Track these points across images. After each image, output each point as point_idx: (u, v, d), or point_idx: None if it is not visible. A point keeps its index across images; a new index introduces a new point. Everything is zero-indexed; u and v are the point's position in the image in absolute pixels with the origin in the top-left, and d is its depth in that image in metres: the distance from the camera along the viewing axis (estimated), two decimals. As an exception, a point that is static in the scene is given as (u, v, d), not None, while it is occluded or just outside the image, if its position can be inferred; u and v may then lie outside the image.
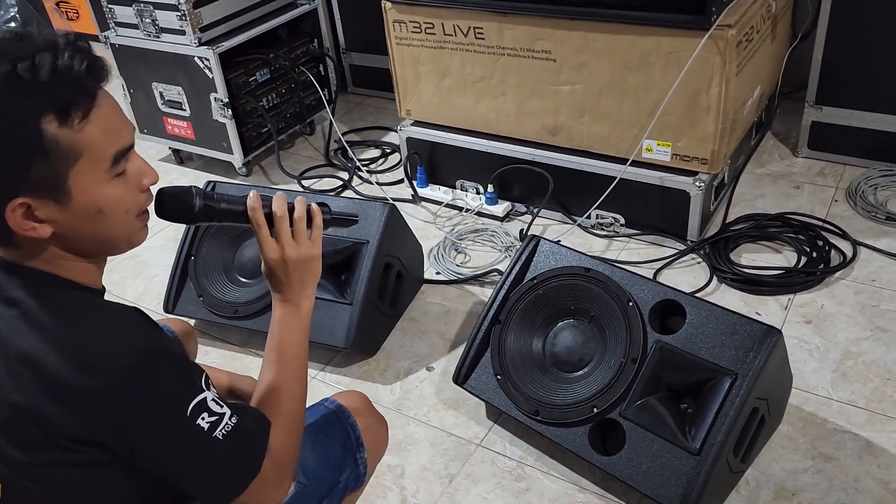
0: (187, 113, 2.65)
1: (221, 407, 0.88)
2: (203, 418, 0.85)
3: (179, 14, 2.43)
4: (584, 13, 1.98)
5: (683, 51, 1.89)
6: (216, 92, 2.52)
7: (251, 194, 1.02)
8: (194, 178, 2.79)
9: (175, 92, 2.63)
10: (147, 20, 2.51)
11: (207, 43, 2.48)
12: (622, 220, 2.20)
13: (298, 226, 1.03)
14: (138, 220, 0.91)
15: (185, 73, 2.55)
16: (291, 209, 1.03)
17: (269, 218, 1.01)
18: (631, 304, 1.50)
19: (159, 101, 2.69)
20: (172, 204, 0.97)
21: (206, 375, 0.91)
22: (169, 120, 2.73)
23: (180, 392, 0.85)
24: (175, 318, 1.17)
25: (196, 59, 2.49)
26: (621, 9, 1.93)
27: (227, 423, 0.88)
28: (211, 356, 1.94)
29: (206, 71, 2.49)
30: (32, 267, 0.86)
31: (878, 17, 2.14)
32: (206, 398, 0.86)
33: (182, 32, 2.47)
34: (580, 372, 1.53)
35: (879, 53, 2.18)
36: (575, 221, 2.25)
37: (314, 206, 1.08)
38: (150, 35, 2.55)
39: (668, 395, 1.44)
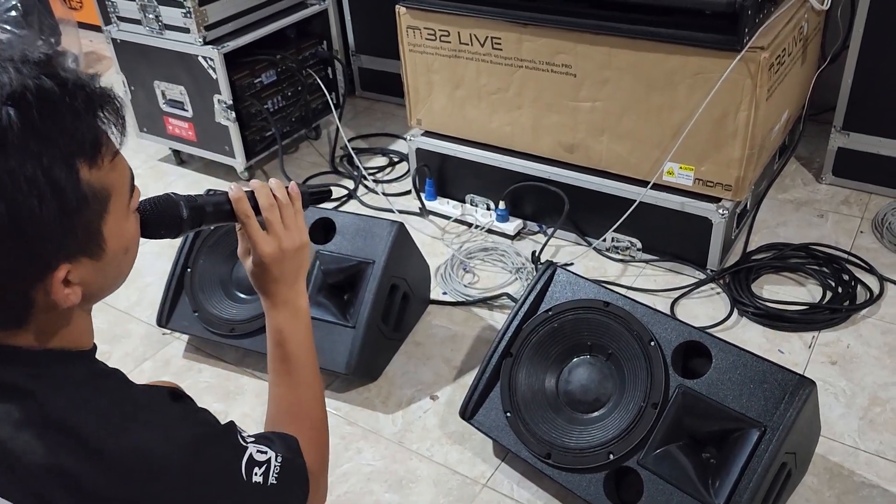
0: (189, 113, 2.56)
1: (265, 453, 0.84)
2: (256, 473, 0.81)
3: (184, 11, 2.33)
4: (609, 28, 1.89)
5: (712, 72, 1.80)
6: (220, 93, 2.42)
7: (233, 186, 0.95)
8: (193, 181, 2.70)
9: (177, 91, 2.54)
10: (150, 16, 2.42)
11: (212, 42, 2.39)
12: (639, 245, 2.11)
13: (286, 212, 0.97)
14: None
15: (188, 73, 2.46)
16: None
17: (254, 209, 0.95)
18: (653, 343, 1.41)
19: (161, 100, 2.60)
20: (159, 220, 0.89)
21: (234, 424, 0.84)
22: (170, 120, 2.63)
23: (231, 463, 0.79)
24: (160, 382, 1.09)
25: (200, 58, 2.39)
26: (647, 25, 1.84)
27: (275, 466, 0.84)
28: (204, 375, 1.85)
29: (210, 71, 2.39)
30: (26, 347, 0.72)
31: (914, 43, 2.05)
32: (250, 453, 0.81)
33: (186, 30, 2.37)
34: (596, 413, 1.44)
35: (913, 80, 2.09)
36: (590, 244, 2.16)
37: (293, 187, 0.99)
38: (153, 31, 2.45)
39: (689, 443, 1.35)
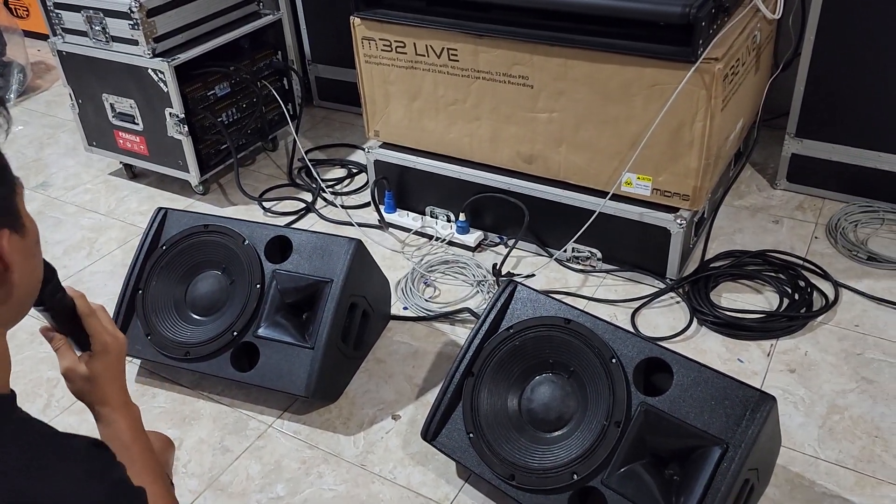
0: (140, 127, 2.49)
1: None
2: None
3: (132, 23, 2.26)
4: (564, 39, 1.88)
5: (667, 83, 1.80)
6: (171, 107, 2.36)
7: (69, 287, 0.97)
8: (147, 196, 2.63)
9: (127, 105, 2.47)
10: (97, 28, 2.35)
11: (162, 54, 2.32)
12: (599, 255, 2.11)
13: (103, 313, 0.99)
14: None
15: (137, 86, 2.39)
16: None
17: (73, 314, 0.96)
18: (614, 360, 1.40)
19: (110, 114, 2.52)
20: None
21: (143, 490, 0.81)
22: (120, 133, 2.56)
23: None
24: (153, 431, 1.06)
25: (150, 71, 2.33)
26: (603, 37, 1.84)
27: None
28: (159, 400, 1.80)
29: (161, 84, 2.33)
30: None
31: (863, 50, 2.09)
32: None
33: (135, 42, 2.30)
34: (559, 432, 1.43)
35: (863, 87, 2.13)
36: (551, 255, 2.15)
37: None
38: (100, 43, 2.38)
39: (652, 461, 1.35)
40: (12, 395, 0.77)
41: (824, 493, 1.47)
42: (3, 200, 0.73)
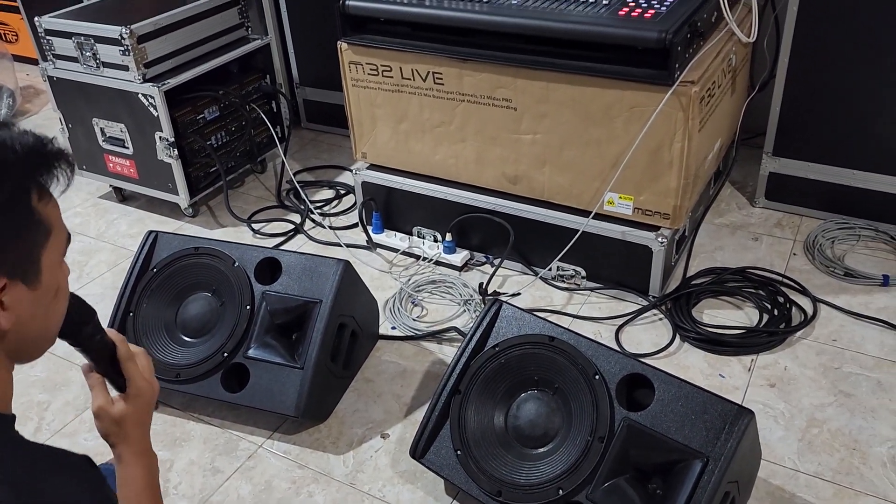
0: (130, 151, 2.52)
1: None
2: None
3: (122, 49, 2.30)
4: (546, 63, 1.93)
5: (646, 105, 1.85)
6: (161, 131, 2.39)
7: (111, 330, 1.01)
8: (137, 219, 2.65)
9: (117, 129, 2.50)
10: (88, 54, 2.38)
11: (152, 79, 2.36)
12: (584, 273, 2.15)
13: (145, 359, 1.03)
14: None
15: (127, 110, 2.42)
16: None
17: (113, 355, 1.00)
18: (597, 377, 1.44)
19: (100, 138, 2.55)
20: (74, 309, 0.92)
21: None
22: (110, 157, 2.59)
23: None
24: None
25: (140, 96, 2.36)
26: (583, 60, 1.89)
27: None
28: (149, 421, 1.81)
29: (151, 109, 2.36)
30: None
31: (836, 71, 2.15)
32: None
33: (125, 68, 2.34)
34: (544, 448, 1.46)
35: (837, 106, 2.19)
36: (536, 274, 2.19)
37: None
38: (90, 69, 2.41)
39: (636, 475, 1.38)
40: (12, 416, 0.80)
41: (804, 505, 1.51)
42: (16, 252, 0.75)
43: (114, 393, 1.01)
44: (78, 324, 0.95)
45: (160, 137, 2.41)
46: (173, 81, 2.38)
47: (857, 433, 1.64)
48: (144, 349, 1.05)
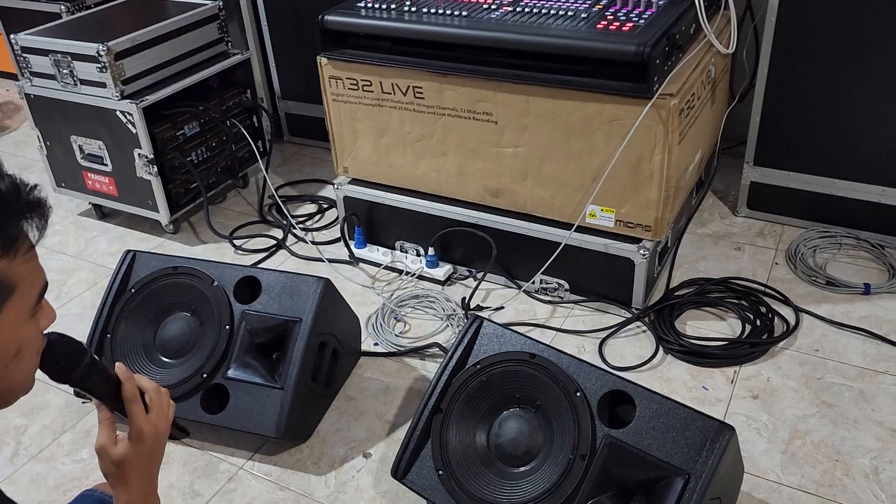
0: (109, 168, 2.50)
1: None
2: None
3: (100, 66, 2.28)
4: (526, 77, 1.93)
5: (626, 118, 1.85)
6: (140, 148, 2.37)
7: (120, 365, 0.97)
8: (117, 236, 2.63)
9: (96, 146, 2.47)
10: (65, 71, 2.36)
11: (130, 96, 2.34)
12: (567, 286, 2.14)
13: (165, 399, 0.99)
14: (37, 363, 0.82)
15: (106, 127, 2.40)
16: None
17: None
18: (579, 394, 1.43)
19: (78, 155, 2.53)
20: (62, 353, 0.89)
21: None
22: (89, 175, 2.56)
23: None
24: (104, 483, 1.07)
25: (118, 113, 2.34)
26: (563, 74, 1.89)
27: None
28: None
29: (129, 126, 2.34)
30: None
31: (816, 80, 2.16)
32: None
33: (103, 85, 2.32)
34: (526, 467, 1.44)
35: (816, 116, 2.20)
36: (520, 287, 2.18)
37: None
38: (68, 86, 2.39)
39: (618, 493, 1.37)
40: None
41: (788, 519, 1.50)
42: None
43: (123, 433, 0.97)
44: (65, 367, 0.91)
45: (139, 154, 2.39)
46: (152, 98, 2.36)
47: (840, 444, 1.64)
48: (161, 387, 1.00)
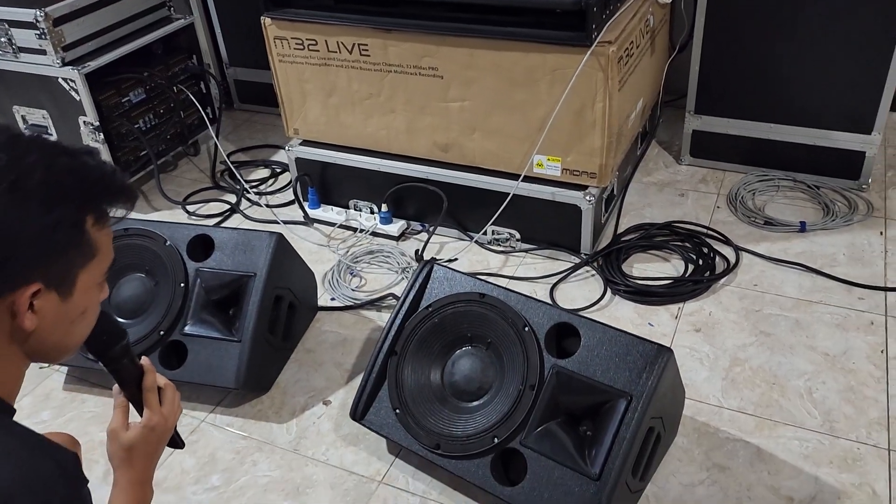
0: (54, 137, 2.46)
1: None
2: None
3: (38, 32, 2.24)
4: (469, 30, 1.96)
5: (567, 67, 1.90)
6: (85, 115, 2.35)
7: (144, 358, 1.07)
8: (67, 207, 2.60)
9: (39, 115, 2.44)
10: (3, 39, 2.31)
11: (72, 63, 2.31)
12: (518, 236, 2.20)
13: (176, 396, 1.08)
14: None
15: (49, 96, 2.37)
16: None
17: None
18: (527, 328, 1.49)
19: (22, 126, 2.49)
20: (105, 327, 0.96)
21: None
22: (34, 145, 2.52)
23: None
24: (58, 432, 1.10)
25: (60, 80, 2.31)
26: (505, 25, 1.92)
27: None
28: (89, 405, 1.80)
29: (73, 93, 2.31)
30: None
31: (750, 30, 2.23)
32: None
33: (43, 52, 2.28)
34: (480, 401, 1.50)
35: (752, 64, 2.27)
36: (471, 238, 2.23)
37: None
38: (6, 55, 2.35)
39: (567, 419, 1.43)
40: (13, 410, 0.85)
41: (727, 438, 1.59)
42: (58, 265, 0.80)
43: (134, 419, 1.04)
44: (106, 343, 0.99)
45: (84, 122, 2.36)
46: (94, 64, 2.33)
47: (777, 369, 1.73)
48: (174, 386, 1.09)
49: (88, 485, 0.82)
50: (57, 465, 0.77)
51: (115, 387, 1.05)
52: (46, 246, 0.79)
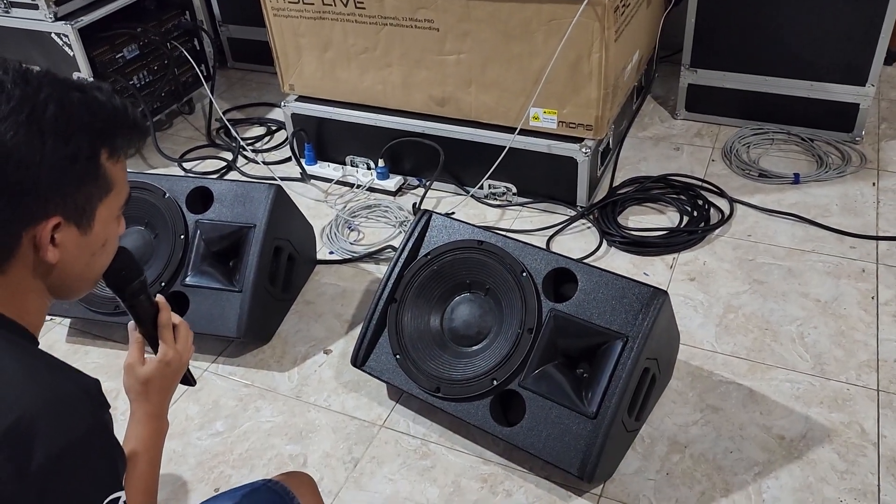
0: (49, 95, 2.45)
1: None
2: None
3: (30, -13, 2.22)
4: (465, -19, 1.95)
5: (564, 18, 1.89)
6: (79, 71, 2.34)
7: (160, 296, 1.08)
8: (62, 165, 2.59)
9: (32, 72, 2.42)
10: (-7, -6, 2.29)
11: (65, 17, 2.29)
12: (514, 189, 2.21)
13: (185, 332, 1.09)
14: None
15: (42, 52, 2.35)
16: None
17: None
18: (525, 274, 1.51)
19: (15, 83, 2.47)
20: (125, 263, 0.97)
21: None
22: (28, 103, 2.51)
23: (106, 482, 0.78)
24: None
25: (53, 35, 2.29)
26: (501, -24, 1.91)
27: None
28: (92, 356, 1.82)
29: (66, 48, 2.30)
30: None
31: (745, -18, 2.22)
32: (120, 498, 0.79)
33: (35, 7, 2.26)
34: (479, 346, 1.53)
35: (748, 17, 2.27)
36: (468, 192, 2.24)
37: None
38: (-2, 10, 2.33)
39: (564, 361, 1.46)
40: (37, 340, 0.85)
41: (721, 381, 1.62)
42: (76, 199, 0.81)
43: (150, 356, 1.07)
44: (125, 278, 1.00)
45: (78, 77, 2.35)
46: (87, 19, 2.31)
47: (769, 315, 1.77)
48: (187, 323, 1.11)
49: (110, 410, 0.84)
50: (80, 388, 0.79)
51: (131, 323, 1.07)
52: (65, 178, 0.80)
